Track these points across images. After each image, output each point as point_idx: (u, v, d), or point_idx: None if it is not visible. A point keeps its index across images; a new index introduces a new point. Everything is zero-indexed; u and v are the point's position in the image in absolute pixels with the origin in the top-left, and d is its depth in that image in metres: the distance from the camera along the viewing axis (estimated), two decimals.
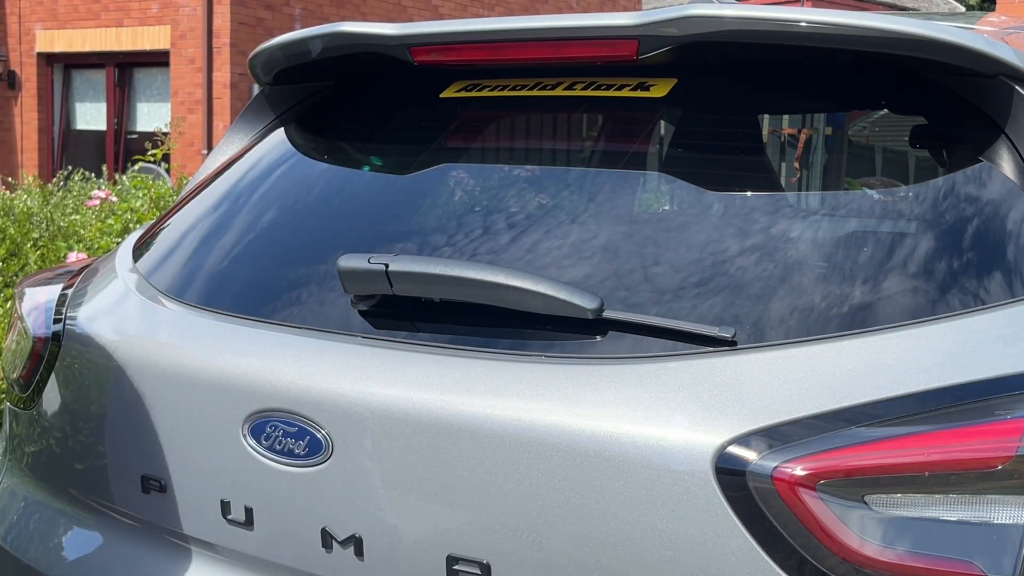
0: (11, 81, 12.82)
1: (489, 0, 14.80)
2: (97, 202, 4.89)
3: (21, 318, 1.70)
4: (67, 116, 13.04)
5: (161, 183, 5.54)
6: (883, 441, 1.03)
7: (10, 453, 1.71)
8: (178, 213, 1.75)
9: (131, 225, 4.81)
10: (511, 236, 1.40)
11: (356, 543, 1.24)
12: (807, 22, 1.29)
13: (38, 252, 4.19)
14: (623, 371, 1.15)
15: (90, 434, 1.53)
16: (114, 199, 5.05)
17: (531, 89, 1.57)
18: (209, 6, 11.85)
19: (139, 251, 1.70)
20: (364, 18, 12.78)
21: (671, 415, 1.10)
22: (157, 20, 12.33)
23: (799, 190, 1.41)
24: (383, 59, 1.61)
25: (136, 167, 5.53)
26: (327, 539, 1.26)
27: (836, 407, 1.06)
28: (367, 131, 1.70)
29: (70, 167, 7.13)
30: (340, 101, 1.81)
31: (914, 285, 1.18)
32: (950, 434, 1.03)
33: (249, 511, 1.32)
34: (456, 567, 1.18)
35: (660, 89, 1.47)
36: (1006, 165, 1.26)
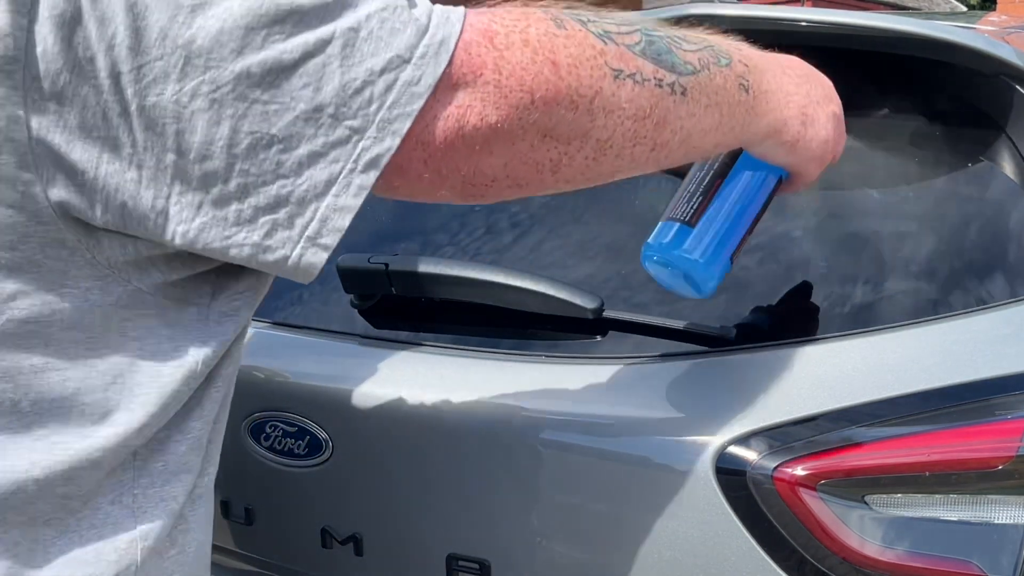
0: None
1: (489, 1, 14.80)
2: None
3: None
4: None
5: None
6: (884, 441, 1.03)
7: None
8: None
9: None
10: (511, 236, 1.40)
11: (356, 542, 1.24)
12: (807, 22, 1.29)
13: None
14: (623, 371, 1.15)
15: None
16: None
17: None
18: None
19: None
20: None
21: (671, 415, 1.10)
22: None
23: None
24: None
25: None
26: (327, 538, 1.26)
27: (836, 407, 1.06)
28: None
29: None
30: None
31: (915, 285, 1.18)
32: (951, 434, 1.03)
33: (249, 511, 1.32)
34: (456, 566, 1.18)
35: None
36: (1007, 165, 1.26)
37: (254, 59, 0.71)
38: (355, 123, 0.73)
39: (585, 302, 1.18)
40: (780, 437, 1.05)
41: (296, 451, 1.26)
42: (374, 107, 0.73)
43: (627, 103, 0.81)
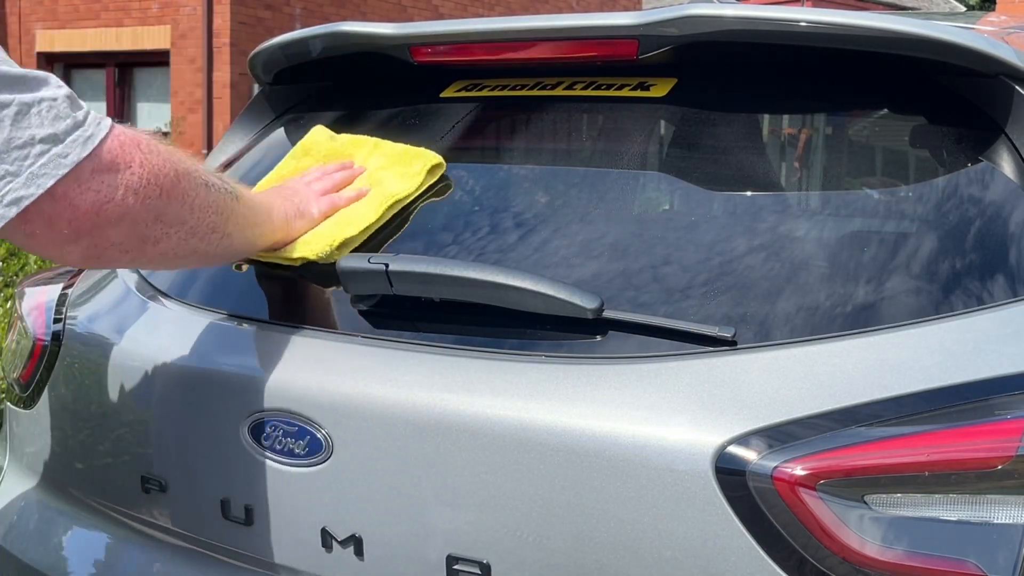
0: None
1: (489, 0, 14.81)
2: None
3: (21, 318, 1.70)
4: None
5: None
6: (883, 441, 1.03)
7: (10, 453, 1.71)
8: None
9: None
10: (511, 236, 1.40)
11: (356, 543, 1.24)
12: (807, 22, 1.29)
13: None
14: (623, 371, 1.15)
15: (90, 434, 1.53)
16: None
17: (531, 89, 1.57)
18: (209, 6, 11.85)
19: None
20: (364, 18, 12.79)
21: (671, 415, 1.10)
22: (157, 20, 12.34)
23: (799, 190, 1.41)
24: (383, 59, 1.61)
25: None
26: (327, 539, 1.26)
27: (836, 407, 1.06)
28: (367, 131, 1.70)
29: None
30: (340, 101, 1.81)
31: (915, 285, 1.18)
32: (950, 434, 1.03)
33: (249, 511, 1.32)
34: (456, 567, 1.18)
35: (660, 89, 1.47)
36: (1006, 165, 1.26)
37: None
38: (10, 168, 1.00)
39: (585, 302, 1.18)
40: (780, 437, 1.05)
41: (296, 451, 1.26)
42: (28, 162, 1.00)
43: (213, 203, 1.20)
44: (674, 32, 1.35)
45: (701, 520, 1.06)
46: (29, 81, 1.03)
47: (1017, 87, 1.27)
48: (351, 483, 1.24)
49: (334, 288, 1.37)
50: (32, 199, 1.01)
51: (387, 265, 1.27)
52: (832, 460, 1.03)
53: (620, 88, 1.50)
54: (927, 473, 1.01)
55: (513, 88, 1.59)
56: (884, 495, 1.03)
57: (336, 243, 1.37)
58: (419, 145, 1.54)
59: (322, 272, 1.43)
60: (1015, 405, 1.04)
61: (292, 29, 1.73)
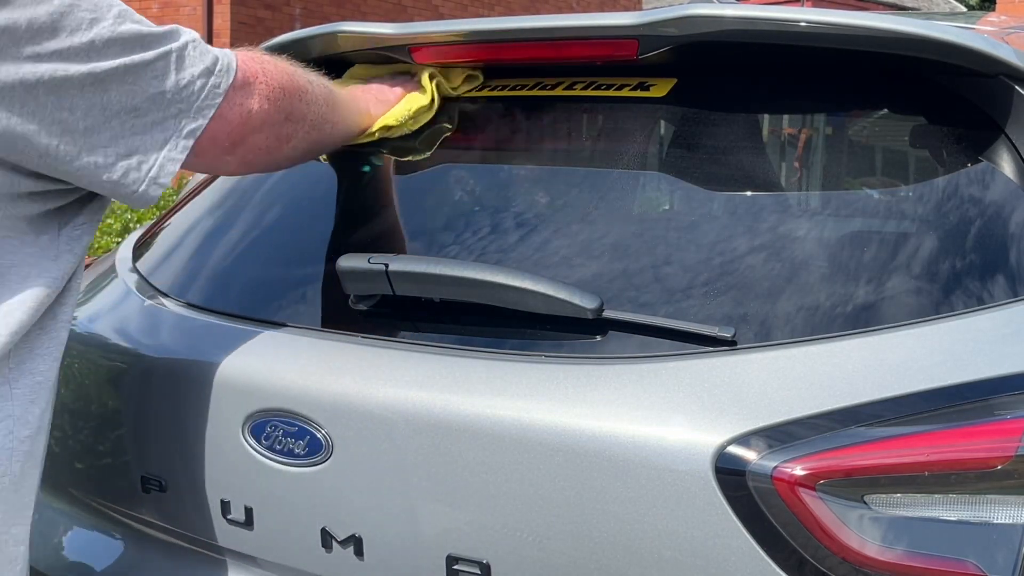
0: None
1: (489, 0, 14.81)
2: None
3: None
4: None
5: None
6: (883, 441, 1.03)
7: None
8: (178, 213, 1.76)
9: (131, 225, 4.81)
10: (511, 236, 1.40)
11: (356, 543, 1.24)
12: (807, 22, 1.29)
13: None
14: (623, 371, 1.15)
15: (90, 434, 1.53)
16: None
17: (531, 89, 1.57)
18: (209, 6, 11.85)
19: (139, 251, 1.70)
20: (364, 18, 12.78)
21: (671, 415, 1.10)
22: (157, 20, 12.29)
23: (799, 190, 1.41)
24: (383, 59, 1.61)
25: None
26: (327, 539, 1.26)
27: (836, 407, 1.06)
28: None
29: None
30: None
31: (915, 285, 1.18)
32: (950, 434, 1.03)
33: (249, 511, 1.32)
34: (456, 567, 1.18)
35: (660, 89, 1.47)
36: (1006, 165, 1.27)
37: (123, 60, 1.13)
38: (182, 105, 1.18)
39: (585, 302, 1.18)
40: (780, 437, 1.05)
41: (296, 451, 1.26)
42: (193, 97, 1.18)
43: (319, 96, 1.37)
44: (674, 32, 1.35)
45: (701, 520, 1.06)
46: (172, 33, 1.19)
47: (1017, 87, 1.27)
48: (351, 483, 1.24)
49: (334, 288, 1.37)
50: (203, 128, 1.19)
51: (387, 265, 1.27)
52: (832, 460, 1.03)
53: (620, 88, 1.50)
54: (927, 473, 1.01)
55: (513, 88, 1.59)
56: (884, 495, 1.03)
57: (412, 111, 1.52)
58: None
59: (323, 272, 1.43)
60: (1015, 405, 1.04)
61: (292, 29, 1.73)
